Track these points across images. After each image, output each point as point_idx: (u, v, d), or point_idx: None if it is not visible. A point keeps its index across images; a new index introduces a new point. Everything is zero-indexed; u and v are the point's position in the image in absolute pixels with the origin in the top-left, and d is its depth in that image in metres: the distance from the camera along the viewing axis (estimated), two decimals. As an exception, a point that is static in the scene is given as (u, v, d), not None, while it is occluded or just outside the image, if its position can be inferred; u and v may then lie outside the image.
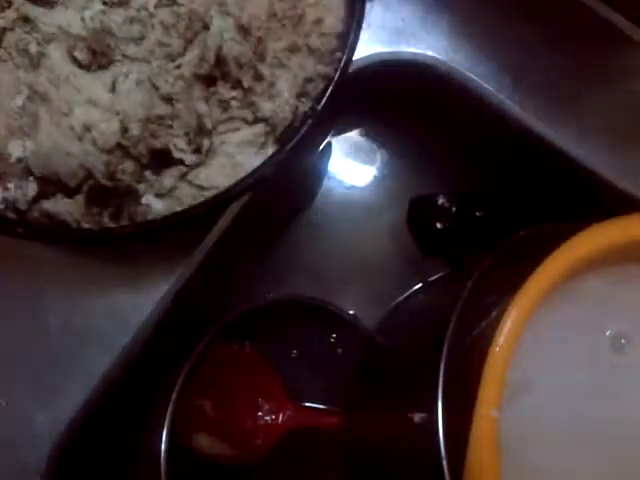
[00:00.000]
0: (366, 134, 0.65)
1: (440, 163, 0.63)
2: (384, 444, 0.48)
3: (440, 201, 0.46)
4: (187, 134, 0.35)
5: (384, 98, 0.55)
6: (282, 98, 0.36)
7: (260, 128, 0.36)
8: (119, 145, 0.35)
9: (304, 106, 0.36)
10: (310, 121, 0.35)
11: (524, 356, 0.36)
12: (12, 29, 0.36)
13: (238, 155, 0.36)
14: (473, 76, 0.45)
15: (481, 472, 0.33)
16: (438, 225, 0.46)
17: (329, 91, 0.36)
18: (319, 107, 0.35)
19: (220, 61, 0.35)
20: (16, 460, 0.40)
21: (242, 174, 0.35)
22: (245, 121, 0.36)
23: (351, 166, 0.65)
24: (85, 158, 0.34)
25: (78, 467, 0.45)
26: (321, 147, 0.54)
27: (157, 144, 0.35)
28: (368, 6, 0.37)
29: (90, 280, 0.42)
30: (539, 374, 0.37)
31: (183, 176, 0.36)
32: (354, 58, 0.36)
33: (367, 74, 0.46)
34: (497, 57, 0.46)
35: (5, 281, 0.41)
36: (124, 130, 0.34)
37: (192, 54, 0.35)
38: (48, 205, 0.35)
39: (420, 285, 0.59)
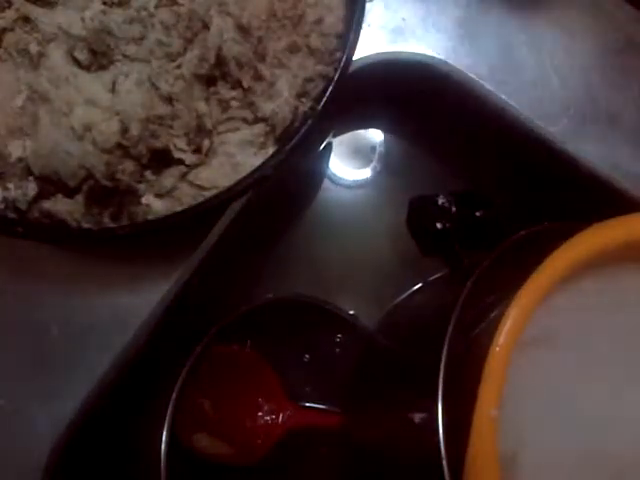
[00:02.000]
0: (366, 134, 0.65)
1: (440, 163, 0.63)
2: (384, 444, 0.48)
3: (440, 201, 0.46)
4: (187, 134, 0.35)
5: (384, 98, 0.55)
6: (282, 98, 0.36)
7: (260, 128, 0.36)
8: (119, 145, 0.35)
9: (304, 106, 0.36)
10: (310, 121, 0.35)
11: (550, 315, 0.36)
12: (12, 29, 0.36)
13: (238, 155, 0.36)
14: (473, 76, 0.45)
15: (481, 472, 0.33)
16: (438, 225, 0.46)
17: (329, 91, 0.36)
18: (319, 107, 0.35)
19: (220, 61, 0.35)
20: (16, 460, 0.40)
21: (242, 174, 0.35)
22: (245, 121, 0.36)
23: (351, 166, 0.65)
24: (85, 158, 0.34)
25: (78, 467, 0.45)
26: (321, 147, 0.54)
27: (157, 144, 0.35)
28: (368, 6, 0.37)
29: (90, 280, 0.42)
30: (562, 332, 0.38)
31: (183, 176, 0.36)
32: (354, 58, 0.36)
33: (367, 74, 0.46)
34: (497, 57, 0.46)
35: (5, 281, 0.41)
36: (124, 130, 0.34)
37: (192, 54, 0.35)
38: (48, 205, 0.35)
39: (420, 285, 0.59)
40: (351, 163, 0.65)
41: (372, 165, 0.65)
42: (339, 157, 0.65)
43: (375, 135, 0.65)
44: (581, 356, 0.38)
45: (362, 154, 0.65)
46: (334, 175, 0.65)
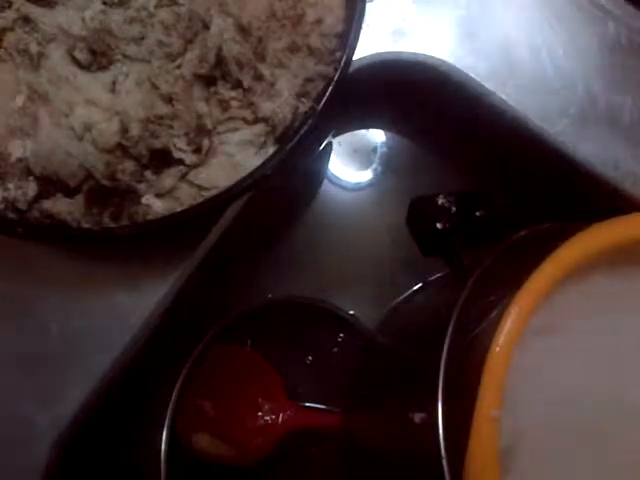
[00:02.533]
0: (366, 134, 0.65)
1: (440, 163, 0.63)
2: (384, 444, 0.48)
3: (440, 201, 0.46)
4: (187, 134, 0.35)
5: (384, 98, 0.55)
6: (282, 98, 0.36)
7: (260, 128, 0.36)
8: (119, 145, 0.35)
9: (304, 106, 0.36)
10: (310, 121, 0.35)
11: (551, 314, 0.37)
12: (12, 29, 0.36)
13: (238, 155, 0.36)
14: (473, 76, 0.45)
15: (481, 472, 0.33)
16: (438, 225, 0.46)
17: (329, 91, 0.35)
18: (319, 107, 0.35)
19: (220, 61, 0.35)
20: (16, 460, 0.40)
21: (242, 174, 0.35)
22: (245, 121, 0.36)
23: (351, 166, 0.65)
24: (85, 158, 0.34)
25: (78, 467, 0.45)
26: (321, 147, 0.54)
27: (157, 144, 0.35)
28: (368, 6, 0.37)
29: (90, 280, 0.42)
30: (562, 330, 0.38)
31: (183, 176, 0.36)
32: (354, 58, 0.36)
33: (367, 74, 0.46)
34: (497, 57, 0.46)
35: (5, 281, 0.41)
36: (124, 130, 0.34)
37: (192, 54, 0.35)
38: (48, 205, 0.35)
39: (420, 285, 0.59)
40: (351, 163, 0.65)
41: (372, 166, 0.65)
42: (339, 157, 0.65)
43: (376, 135, 0.65)
44: (581, 354, 0.38)
45: (362, 154, 0.65)
46: (334, 175, 0.65)
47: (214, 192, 0.35)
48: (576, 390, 0.38)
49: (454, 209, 0.46)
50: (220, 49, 0.35)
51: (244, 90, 0.36)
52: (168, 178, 0.36)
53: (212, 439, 0.56)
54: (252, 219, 0.46)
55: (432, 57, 0.46)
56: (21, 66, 0.35)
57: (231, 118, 0.36)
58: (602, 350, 0.39)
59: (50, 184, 0.35)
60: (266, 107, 0.36)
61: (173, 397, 0.52)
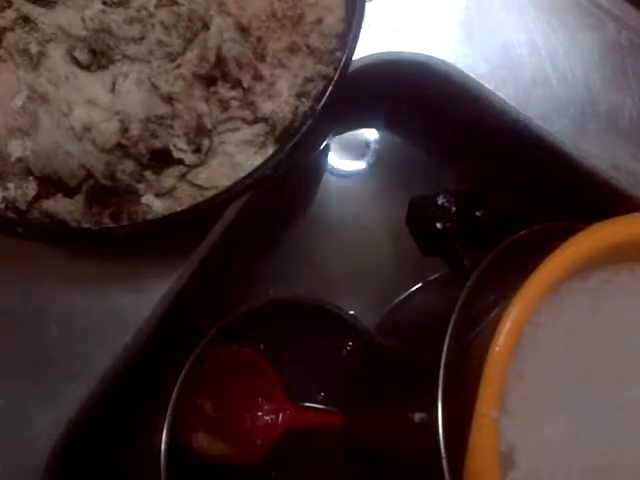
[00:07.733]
0: (366, 134, 0.65)
1: (440, 163, 0.63)
2: (384, 444, 0.48)
3: (440, 201, 0.46)
4: (187, 134, 0.35)
5: (384, 98, 0.55)
6: (282, 98, 0.36)
7: (260, 128, 0.36)
8: (119, 145, 0.35)
9: (304, 106, 0.36)
10: (310, 121, 0.35)
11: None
12: (12, 29, 0.36)
13: (238, 155, 0.36)
14: (473, 76, 0.45)
15: (481, 472, 0.33)
16: (438, 225, 0.46)
17: (329, 91, 0.36)
18: (319, 107, 0.36)
19: (220, 61, 0.35)
20: (16, 460, 0.40)
21: (242, 174, 0.35)
22: (245, 121, 0.36)
23: (351, 166, 0.65)
24: (85, 158, 0.34)
25: (78, 467, 0.45)
26: (321, 147, 0.54)
27: (157, 144, 0.35)
28: (368, 6, 0.37)
29: (90, 280, 0.42)
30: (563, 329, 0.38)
31: (183, 176, 0.36)
32: (354, 58, 0.36)
33: (367, 74, 0.46)
34: (497, 57, 0.46)
35: (5, 281, 0.41)
36: (124, 130, 0.34)
37: (192, 54, 0.35)
38: (48, 205, 0.35)
39: (420, 285, 0.59)
40: (352, 162, 0.65)
41: (372, 165, 0.65)
42: (340, 156, 0.65)
43: (375, 134, 0.65)
44: (582, 354, 0.38)
45: (363, 153, 0.65)
46: (335, 174, 0.65)
47: (214, 192, 0.35)
48: (577, 391, 0.38)
49: (454, 209, 0.46)
50: (220, 49, 0.35)
51: (244, 90, 0.36)
52: (168, 178, 0.36)
53: (212, 439, 0.56)
54: (252, 219, 0.46)
55: (432, 57, 0.46)
56: (21, 66, 0.35)
57: (231, 118, 0.36)
58: (602, 345, 0.39)
59: (50, 184, 0.35)
60: (266, 107, 0.36)
61: (173, 397, 0.52)
